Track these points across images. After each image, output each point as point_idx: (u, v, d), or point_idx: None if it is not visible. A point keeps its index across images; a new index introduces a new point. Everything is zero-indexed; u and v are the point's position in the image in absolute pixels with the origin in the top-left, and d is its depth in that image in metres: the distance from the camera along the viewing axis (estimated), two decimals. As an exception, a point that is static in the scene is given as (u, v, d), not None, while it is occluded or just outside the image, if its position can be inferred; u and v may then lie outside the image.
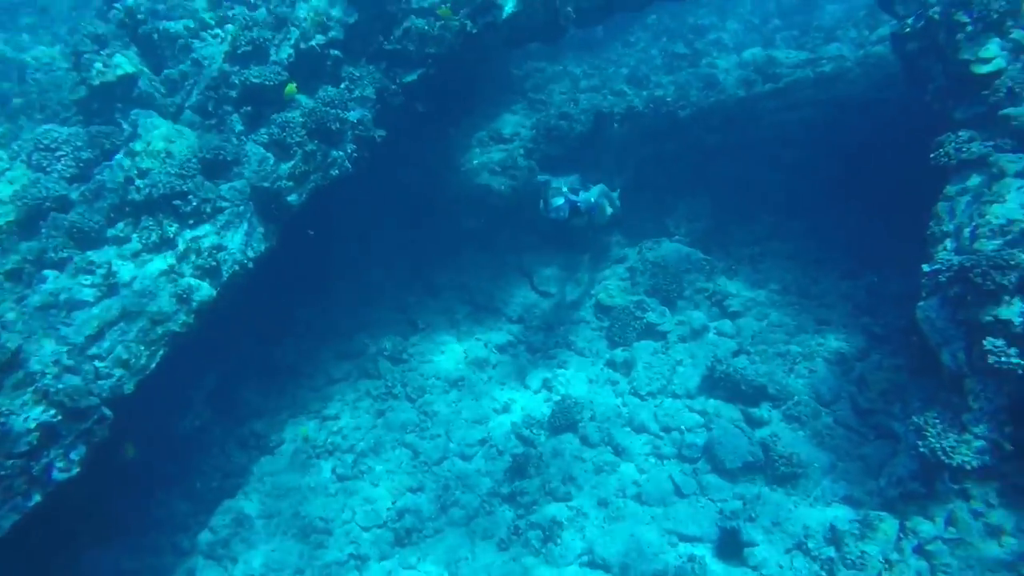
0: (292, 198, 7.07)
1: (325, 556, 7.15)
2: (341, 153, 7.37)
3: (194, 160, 6.44)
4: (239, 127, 6.99)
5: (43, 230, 6.08)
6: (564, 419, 7.94)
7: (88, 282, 5.80)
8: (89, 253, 6.04)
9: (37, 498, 4.99)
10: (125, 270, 6.00)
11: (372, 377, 9.19)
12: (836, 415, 7.21)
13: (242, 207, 6.60)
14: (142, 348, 5.79)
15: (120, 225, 6.25)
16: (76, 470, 5.22)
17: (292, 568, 7.03)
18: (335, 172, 7.36)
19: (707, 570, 6.14)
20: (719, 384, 7.72)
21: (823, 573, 5.57)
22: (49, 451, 5.05)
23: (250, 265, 6.66)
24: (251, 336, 9.16)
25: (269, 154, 6.88)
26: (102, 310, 5.72)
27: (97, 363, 5.58)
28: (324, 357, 9.59)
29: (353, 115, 7.51)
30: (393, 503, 7.60)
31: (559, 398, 8.29)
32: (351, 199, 8.89)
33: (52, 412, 5.02)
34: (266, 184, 6.75)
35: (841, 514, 6.16)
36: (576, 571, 6.60)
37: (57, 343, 5.48)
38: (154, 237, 6.13)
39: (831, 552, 5.66)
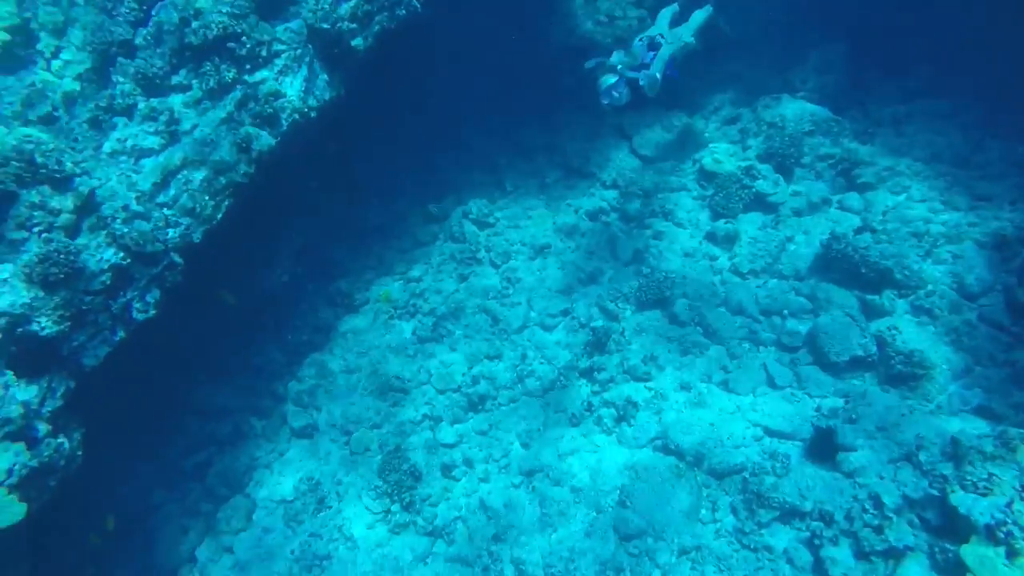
0: (357, 42, 6.49)
1: (400, 414, 7.27)
2: (410, -10, 6.57)
3: (248, -3, 5.94)
4: (300, -41, 6.34)
5: (112, 76, 5.97)
6: (653, 294, 7.28)
7: (152, 129, 5.69)
8: (153, 100, 5.89)
9: (121, 334, 5.22)
10: (187, 118, 5.82)
11: (457, 241, 8.89)
12: (982, 311, 5.96)
13: (300, 50, 6.11)
14: (207, 198, 5.71)
15: (183, 71, 6.00)
16: (153, 312, 5.39)
17: (369, 422, 7.23)
18: (402, 12, 6.62)
19: (790, 469, 5.51)
20: (834, 265, 6.63)
21: (933, 491, 4.75)
22: (126, 292, 5.20)
23: (312, 115, 6.27)
24: (340, 196, 9.07)
25: (328, -10, 6.23)
26: (165, 158, 5.63)
27: (166, 211, 5.58)
28: (412, 219, 9.39)
29: (426, -55, 6.61)
30: (469, 368, 7.51)
31: (648, 271, 7.58)
32: (431, 48, 8.16)
33: (122, 255, 5.09)
34: (325, 25, 6.18)
35: (970, 427, 5.18)
36: (648, 454, 6.22)
37: (128, 189, 5.49)
38: (212, 83, 5.83)
39: (947, 469, 4.78)
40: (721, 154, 8.32)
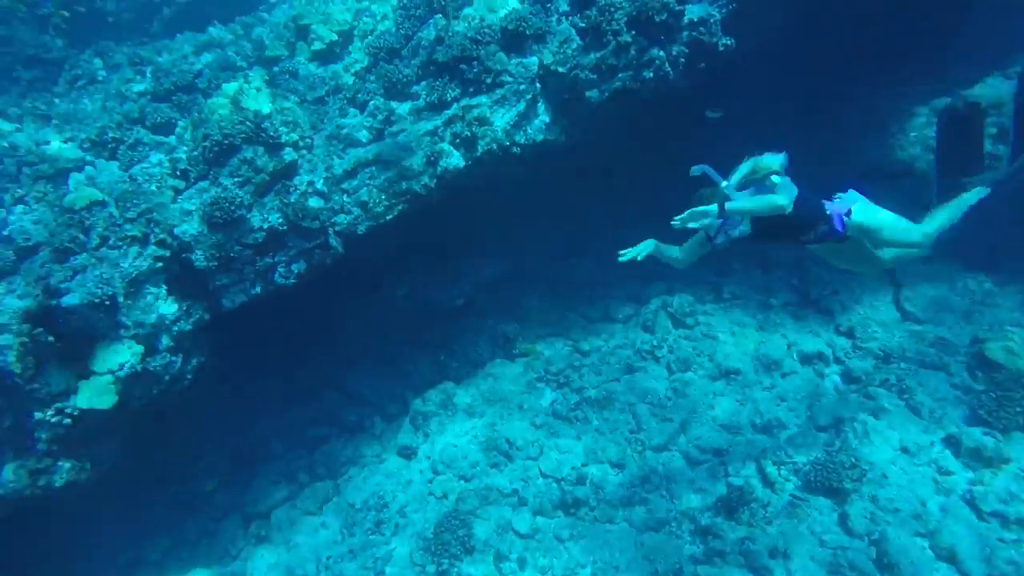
0: (592, 94, 6.21)
1: (494, 478, 6.70)
2: (661, 53, 6.09)
3: (495, 28, 6.09)
4: (564, 7, 6.32)
5: (369, 75, 6.64)
6: (827, 477, 5.57)
7: (368, 124, 6.14)
8: (392, 103, 6.36)
9: (258, 290, 5.69)
10: (401, 123, 6.15)
11: (647, 330, 8.01)
12: None
13: (524, 87, 6.04)
14: (383, 197, 5.94)
15: (423, 83, 6.39)
16: (293, 280, 5.76)
17: (460, 472, 6.80)
18: (648, 75, 6.15)
19: None
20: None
21: None
22: (275, 255, 5.65)
23: (514, 150, 6.15)
24: (541, 246, 8.89)
25: (576, 37, 6.08)
26: (364, 152, 6.01)
27: (345, 197, 5.96)
28: (614, 292, 8.76)
29: (693, 10, 6.08)
30: (582, 465, 6.61)
31: (837, 446, 5.82)
32: (679, 119, 7.50)
33: (281, 222, 5.54)
34: (562, 69, 6.02)
35: None
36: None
37: (325, 170, 5.99)
38: (435, 97, 6.10)
39: None
40: (1020, 345, 6.07)
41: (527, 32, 6.06)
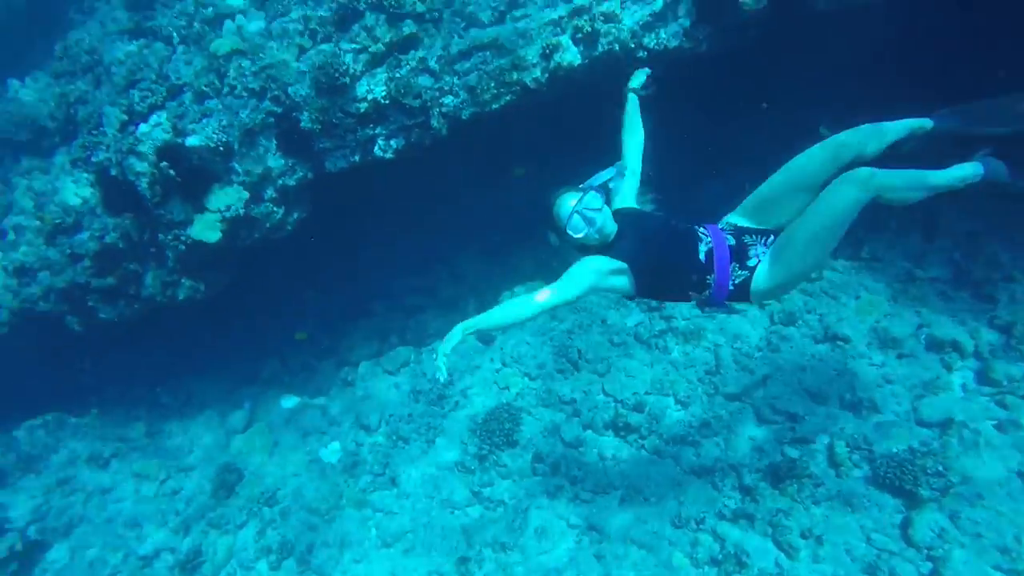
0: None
1: (557, 383, 6.77)
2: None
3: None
4: None
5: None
6: None
7: (493, 5, 5.87)
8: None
9: (357, 159, 5.93)
10: (528, 7, 5.81)
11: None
12: None
13: (666, -17, 5.38)
14: (492, 84, 5.77)
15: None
16: (391, 155, 5.92)
17: (534, 363, 6.94)
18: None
19: None
20: None
21: None
22: (375, 127, 5.80)
23: (640, 53, 5.61)
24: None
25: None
26: (482, 33, 5.80)
27: (455, 80, 5.87)
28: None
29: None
30: (645, 393, 6.47)
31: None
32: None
33: (384, 94, 5.62)
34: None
35: None
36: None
37: (441, 49, 5.90)
38: (568, -15, 5.65)
39: None
40: None
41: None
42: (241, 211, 5.62)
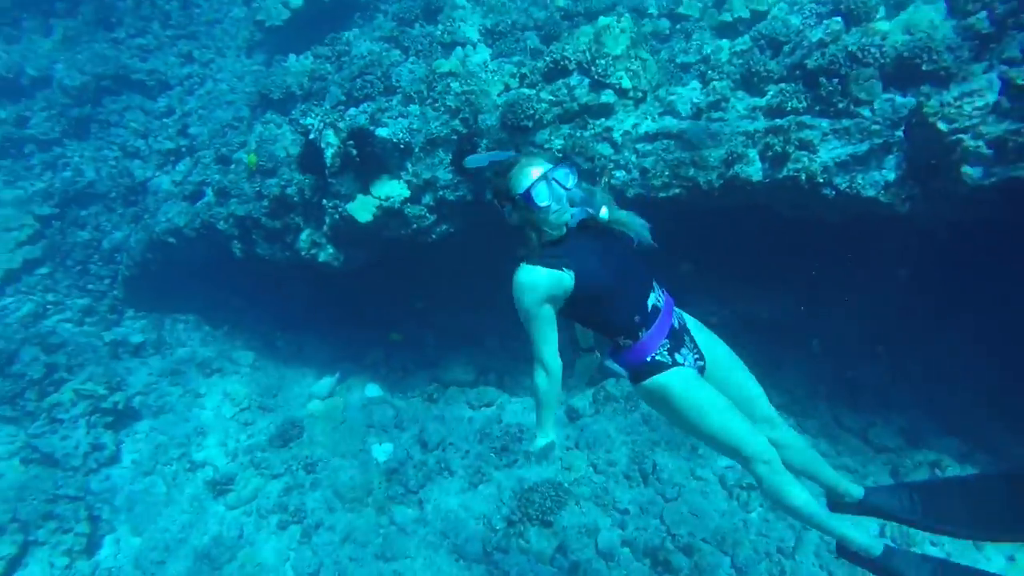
0: (972, 172, 4.88)
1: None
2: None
3: (890, 51, 5.15)
4: (1014, 51, 4.90)
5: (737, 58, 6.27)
6: None
7: (695, 100, 5.88)
8: (738, 92, 5.92)
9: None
10: (728, 113, 5.75)
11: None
12: None
13: (878, 127, 5.03)
14: (666, 172, 5.72)
15: (779, 85, 5.79)
16: (546, 206, 6.08)
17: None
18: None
19: None
20: None
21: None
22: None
23: (826, 191, 5.26)
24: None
25: (999, 94, 4.73)
26: (675, 122, 5.82)
27: (633, 157, 5.91)
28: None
29: None
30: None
31: None
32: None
33: (560, 148, 5.82)
34: (943, 125, 4.81)
35: None
36: None
37: (631, 126, 6.01)
38: (776, 101, 5.52)
39: None
40: None
41: (925, 67, 4.95)
42: (397, 205, 6.07)
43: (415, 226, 6.28)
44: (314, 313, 8.57)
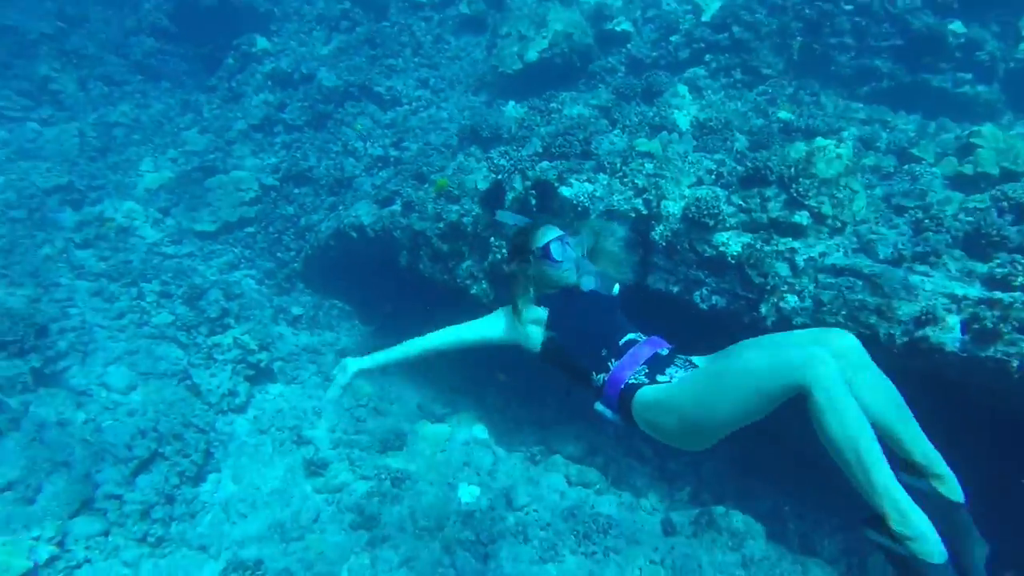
0: None
1: None
2: None
3: None
4: None
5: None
6: None
7: (899, 245, 5.37)
8: (952, 251, 5.35)
9: (675, 290, 6.00)
10: (935, 269, 5.17)
11: None
12: None
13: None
14: (843, 311, 5.24)
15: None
16: (705, 307, 5.83)
17: None
18: None
19: None
20: None
21: None
22: (708, 276, 5.78)
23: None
24: None
25: None
26: (869, 262, 5.34)
27: (811, 286, 5.51)
28: None
29: None
30: None
31: None
32: None
33: (736, 255, 5.57)
34: None
35: None
36: None
37: (818, 253, 5.62)
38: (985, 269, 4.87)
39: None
40: None
41: None
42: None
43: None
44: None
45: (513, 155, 6.67)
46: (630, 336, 2.78)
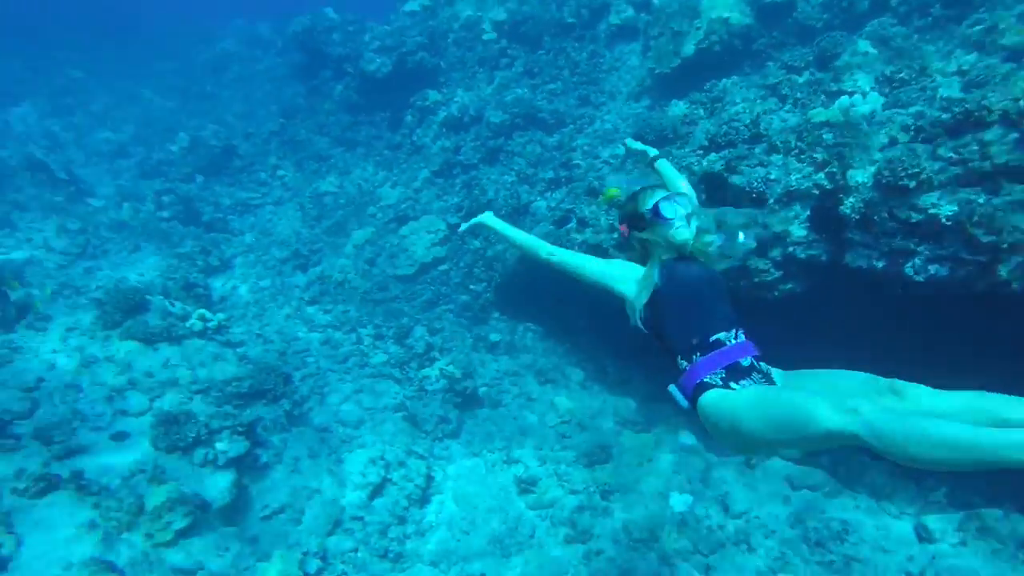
0: None
1: None
2: None
3: None
4: None
5: None
6: None
7: None
8: None
9: (880, 265, 5.35)
10: None
11: None
12: None
13: None
14: None
15: None
16: (921, 278, 5.13)
17: None
18: None
19: None
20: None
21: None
22: (919, 244, 5.08)
23: None
24: None
25: None
26: None
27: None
28: None
29: None
30: None
31: None
32: None
33: (951, 215, 4.84)
34: None
35: None
36: None
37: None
38: None
39: None
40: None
41: None
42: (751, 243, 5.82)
43: (755, 279, 5.94)
44: (645, 346, 8.75)
45: (677, 153, 6.49)
46: (721, 335, 2.80)
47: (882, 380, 2.48)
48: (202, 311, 8.40)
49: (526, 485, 7.00)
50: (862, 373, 2.55)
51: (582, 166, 10.41)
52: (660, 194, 3.03)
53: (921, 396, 2.36)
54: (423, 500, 6.96)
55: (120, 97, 19.60)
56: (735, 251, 3.02)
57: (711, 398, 2.64)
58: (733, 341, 2.80)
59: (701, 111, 7.79)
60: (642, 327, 2.97)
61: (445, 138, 13.33)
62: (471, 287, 10.95)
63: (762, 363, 2.78)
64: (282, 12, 18.81)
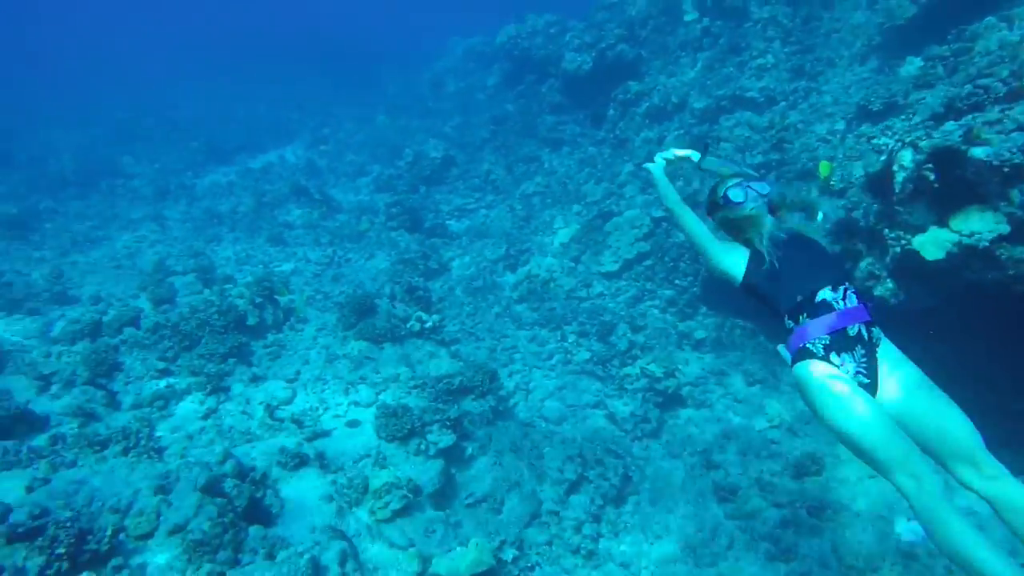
0: None
1: None
2: None
3: None
4: None
5: None
6: None
7: None
8: None
9: None
10: None
11: None
12: None
13: None
14: None
15: None
16: None
17: None
18: None
19: None
20: None
21: None
22: None
23: None
24: None
25: None
26: None
27: None
28: None
29: None
30: None
31: None
32: None
33: None
34: None
35: None
36: None
37: None
38: None
39: None
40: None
41: None
42: (985, 243, 4.84)
43: (1011, 272, 4.88)
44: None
45: (899, 126, 5.56)
46: (828, 294, 2.89)
47: (977, 445, 2.59)
48: (419, 313, 9.29)
49: (725, 493, 6.59)
50: (968, 427, 2.62)
51: (795, 146, 9.44)
52: (731, 183, 3.36)
53: (999, 480, 2.54)
54: (619, 499, 6.93)
55: (361, 122, 22.42)
56: (814, 229, 3.22)
57: (803, 372, 2.80)
58: (841, 303, 2.88)
59: (940, 68, 6.60)
60: (749, 290, 3.16)
61: (648, 129, 13.04)
62: (676, 282, 10.61)
63: (875, 329, 2.85)
64: (493, 24, 19.93)
